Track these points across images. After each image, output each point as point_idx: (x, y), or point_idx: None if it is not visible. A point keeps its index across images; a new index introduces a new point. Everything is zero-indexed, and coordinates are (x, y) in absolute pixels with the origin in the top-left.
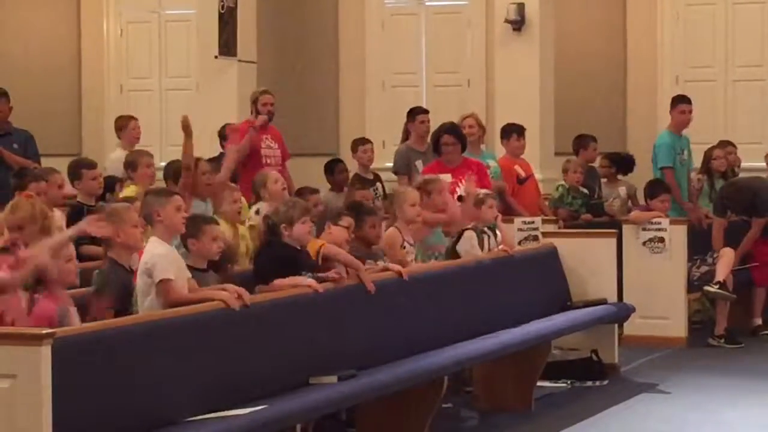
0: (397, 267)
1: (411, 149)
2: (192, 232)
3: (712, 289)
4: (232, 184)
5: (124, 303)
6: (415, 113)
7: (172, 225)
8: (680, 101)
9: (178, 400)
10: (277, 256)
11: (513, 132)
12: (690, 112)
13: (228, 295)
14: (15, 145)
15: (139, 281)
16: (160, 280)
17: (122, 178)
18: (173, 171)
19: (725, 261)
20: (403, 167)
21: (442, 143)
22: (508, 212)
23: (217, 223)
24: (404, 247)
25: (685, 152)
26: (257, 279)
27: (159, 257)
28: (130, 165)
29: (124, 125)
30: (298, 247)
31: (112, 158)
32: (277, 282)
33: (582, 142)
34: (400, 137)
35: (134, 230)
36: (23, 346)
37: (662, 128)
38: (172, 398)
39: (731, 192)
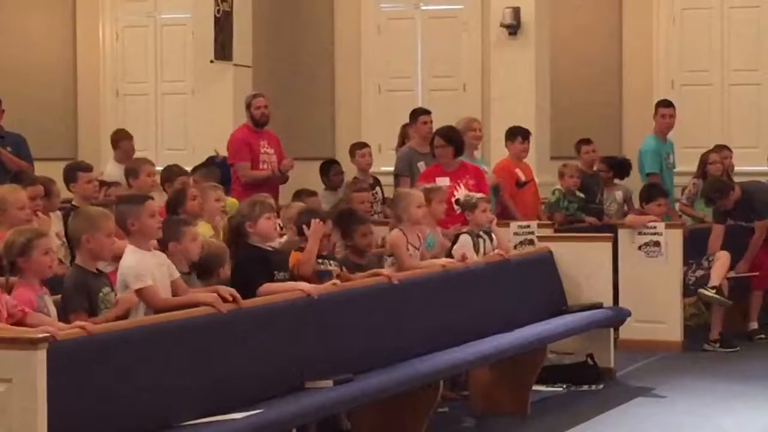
0: (386, 272)
1: (414, 151)
2: (171, 235)
3: (708, 293)
4: (215, 184)
5: (92, 306)
6: (417, 114)
7: (148, 231)
8: (660, 105)
9: (174, 404)
10: (247, 260)
11: (518, 135)
12: (671, 116)
13: (215, 297)
14: (8, 148)
15: (120, 297)
16: (139, 289)
17: (110, 183)
18: (171, 174)
19: (721, 264)
20: (405, 169)
21: (435, 145)
22: (505, 213)
23: (195, 224)
24: (408, 249)
25: (671, 156)
26: (239, 290)
27: (129, 269)
28: (131, 172)
29: (119, 141)
30: (267, 247)
31: (108, 172)
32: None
33: (577, 146)
34: (397, 141)
35: (106, 240)
36: (18, 351)
37: None
38: (167, 402)
39: (714, 188)
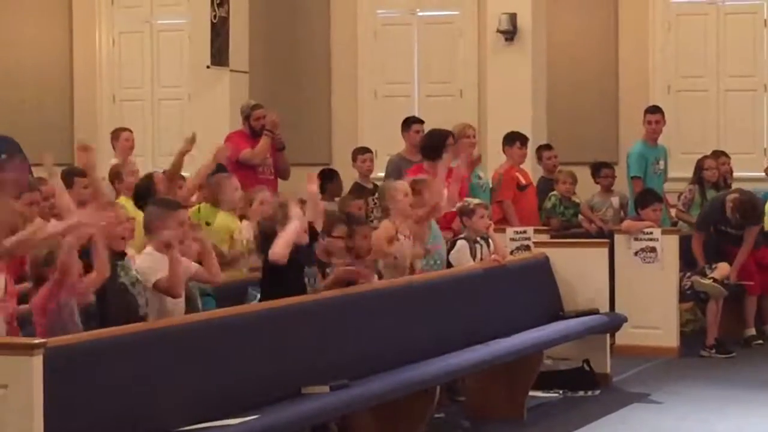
0: (366, 271)
1: (403, 158)
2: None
3: (705, 281)
4: (230, 174)
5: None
6: (410, 123)
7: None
8: (647, 111)
9: (170, 410)
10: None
11: (516, 140)
12: (657, 122)
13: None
14: (3, 156)
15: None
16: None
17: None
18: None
19: (722, 270)
20: (394, 176)
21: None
22: (505, 220)
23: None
24: (398, 239)
25: (661, 162)
26: (273, 287)
27: (147, 269)
28: (116, 176)
29: (116, 136)
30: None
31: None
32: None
33: (538, 152)
34: (401, 146)
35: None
36: (14, 356)
37: None
38: (163, 408)
39: (748, 208)
